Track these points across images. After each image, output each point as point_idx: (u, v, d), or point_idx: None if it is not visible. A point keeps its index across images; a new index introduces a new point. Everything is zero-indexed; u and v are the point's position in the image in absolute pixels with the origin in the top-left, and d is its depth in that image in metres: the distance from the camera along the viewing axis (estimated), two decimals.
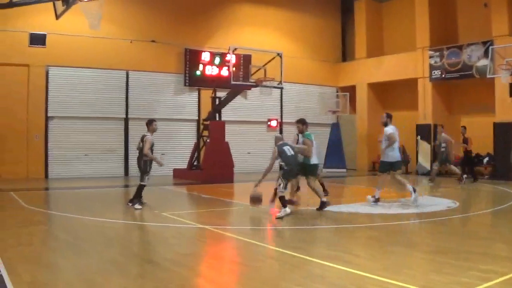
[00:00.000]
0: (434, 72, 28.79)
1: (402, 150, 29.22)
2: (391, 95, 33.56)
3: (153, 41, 27.85)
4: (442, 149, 23.07)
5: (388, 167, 16.01)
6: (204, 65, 28.93)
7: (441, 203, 16.06)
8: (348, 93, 32.84)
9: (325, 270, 7.86)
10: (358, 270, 7.70)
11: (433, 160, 24.18)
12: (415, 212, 14.38)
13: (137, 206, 14.95)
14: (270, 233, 11.97)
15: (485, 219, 14.07)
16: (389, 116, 16.51)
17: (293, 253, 8.91)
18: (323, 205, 14.46)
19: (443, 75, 28.33)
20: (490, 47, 24.81)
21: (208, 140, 24.67)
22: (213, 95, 25.20)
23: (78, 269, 7.85)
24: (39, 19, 24.15)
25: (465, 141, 24.25)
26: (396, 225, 12.37)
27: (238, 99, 27.23)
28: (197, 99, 29.54)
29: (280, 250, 9.35)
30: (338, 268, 7.84)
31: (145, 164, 15.48)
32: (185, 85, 28.95)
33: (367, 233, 11.61)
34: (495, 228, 12.69)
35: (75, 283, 7.04)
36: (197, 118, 29.26)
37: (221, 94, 25.20)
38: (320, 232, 11.75)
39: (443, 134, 23.15)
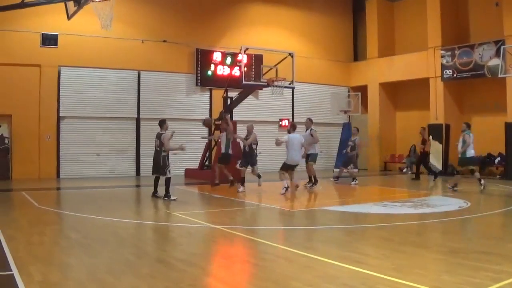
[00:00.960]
0: (445, 72, 28.70)
1: (413, 150, 29.32)
2: (403, 95, 33.51)
3: (164, 41, 27.88)
4: (355, 152, 23.23)
5: (287, 167, 19.00)
6: (216, 65, 28.94)
7: (452, 203, 16.04)
8: (359, 93, 32.79)
9: (336, 270, 7.86)
10: (369, 270, 7.70)
11: (347, 164, 23.96)
12: (426, 212, 14.36)
13: (172, 197, 16.81)
14: (281, 233, 11.96)
15: (497, 219, 14.04)
16: (292, 126, 19.70)
17: (304, 253, 8.92)
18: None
19: (455, 75, 28.25)
20: (502, 47, 24.71)
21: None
22: (224, 95, 25.19)
23: (89, 268, 7.88)
24: (51, 19, 24.21)
25: (424, 142, 24.57)
26: (407, 225, 12.35)
27: (250, 99, 27.18)
28: (208, 99, 29.55)
29: (291, 249, 9.34)
30: (349, 268, 7.84)
31: (164, 159, 16.94)
32: (196, 85, 28.96)
33: (378, 233, 11.58)
34: (507, 228, 12.67)
35: (86, 283, 7.05)
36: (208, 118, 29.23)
37: (233, 94, 25.19)
38: (331, 232, 11.72)
39: (357, 137, 23.54)
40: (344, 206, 15.40)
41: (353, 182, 22.71)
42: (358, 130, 24.23)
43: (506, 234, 11.71)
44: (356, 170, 24.38)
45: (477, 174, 20.16)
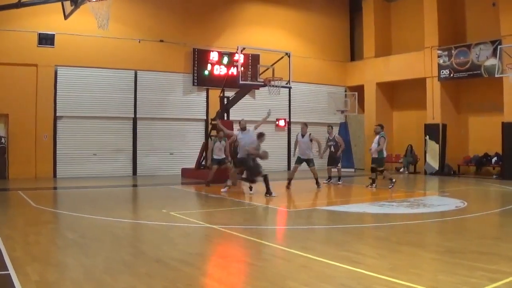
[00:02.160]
0: (442, 72, 28.75)
1: (410, 150, 29.35)
2: (400, 94, 33.58)
3: (161, 40, 27.89)
4: (340, 149, 23.17)
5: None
6: (213, 64, 28.95)
7: (449, 203, 16.06)
8: (356, 93, 32.82)
9: (333, 270, 7.85)
10: (366, 270, 7.70)
11: (337, 163, 23.77)
12: (423, 212, 14.38)
13: (274, 194, 17.78)
14: (277, 233, 11.97)
15: (494, 219, 14.05)
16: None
17: (300, 253, 8.92)
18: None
19: (452, 75, 28.29)
20: (499, 47, 24.76)
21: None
22: (221, 94, 25.20)
23: (86, 268, 7.87)
24: (48, 19, 24.22)
25: None
26: (404, 225, 12.36)
27: (247, 99, 27.21)
28: (205, 99, 29.56)
29: (288, 249, 9.34)
30: (346, 268, 7.84)
31: (254, 161, 18.27)
32: (193, 84, 28.97)
33: (375, 233, 11.60)
34: (504, 228, 12.67)
35: (83, 282, 7.05)
36: (205, 117, 29.28)
37: (230, 93, 25.20)
38: (328, 232, 11.73)
39: (335, 134, 23.72)
40: (340, 206, 15.40)
41: (340, 182, 22.81)
42: (332, 127, 24.06)
43: (503, 234, 11.72)
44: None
45: (386, 173, 21.39)
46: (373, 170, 21.27)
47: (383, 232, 11.48)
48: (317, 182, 20.90)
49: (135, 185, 23.31)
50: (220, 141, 21.10)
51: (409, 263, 8.37)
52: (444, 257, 8.91)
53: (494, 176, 26.46)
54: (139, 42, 27.18)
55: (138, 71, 27.52)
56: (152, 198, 17.67)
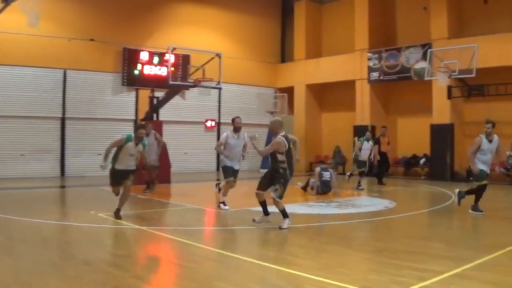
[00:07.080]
0: (372, 74, 29.18)
1: (338, 151, 29.58)
2: (329, 96, 33.90)
3: (91, 39, 27.50)
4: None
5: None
6: (143, 64, 28.70)
7: (378, 203, 16.28)
8: (286, 94, 33.05)
9: (263, 270, 7.88)
10: (296, 270, 7.74)
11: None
12: (352, 212, 14.54)
13: None
14: (207, 234, 11.93)
15: (422, 219, 14.31)
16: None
17: (231, 254, 8.93)
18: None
19: (381, 77, 28.72)
20: (429, 50, 25.19)
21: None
22: (151, 94, 25.03)
23: (13, 271, 7.70)
24: None
25: (377, 141, 24.87)
26: (333, 225, 12.47)
27: (176, 99, 27.05)
28: (135, 99, 29.27)
29: (218, 250, 9.33)
30: (276, 269, 7.86)
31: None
32: (123, 84, 28.66)
33: (305, 233, 11.67)
34: (432, 228, 12.92)
35: (11, 285, 6.89)
36: (134, 118, 28.96)
37: (159, 94, 25.05)
38: (257, 233, 11.72)
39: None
40: (269, 207, 15.42)
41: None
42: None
43: (431, 233, 11.96)
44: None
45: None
46: None
47: (312, 233, 11.58)
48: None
49: (63, 186, 22.96)
50: None
51: (339, 262, 8.45)
52: (373, 256, 9.03)
53: (422, 177, 27.02)
54: (69, 40, 26.76)
55: (67, 70, 27.01)
56: (80, 200, 17.44)
